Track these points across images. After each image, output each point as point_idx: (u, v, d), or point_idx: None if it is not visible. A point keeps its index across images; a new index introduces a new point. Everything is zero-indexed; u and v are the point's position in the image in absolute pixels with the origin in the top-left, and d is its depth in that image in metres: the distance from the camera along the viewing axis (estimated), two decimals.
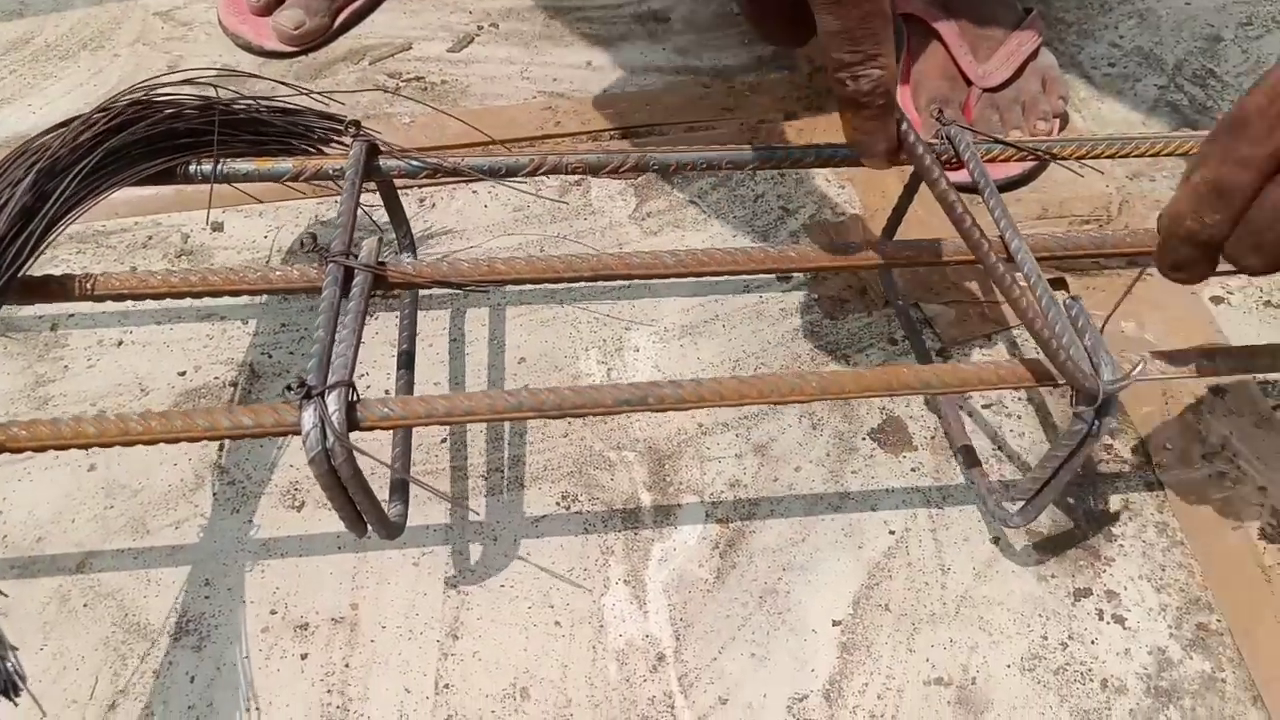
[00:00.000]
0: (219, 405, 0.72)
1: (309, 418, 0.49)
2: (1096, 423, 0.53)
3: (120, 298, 0.58)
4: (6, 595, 0.61)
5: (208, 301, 0.78)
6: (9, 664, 0.45)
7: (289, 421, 0.50)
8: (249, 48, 1.01)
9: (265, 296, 0.79)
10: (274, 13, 1.01)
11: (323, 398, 0.49)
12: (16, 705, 0.46)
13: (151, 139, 0.61)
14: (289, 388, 0.49)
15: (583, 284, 0.79)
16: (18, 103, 0.97)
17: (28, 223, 0.53)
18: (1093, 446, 0.54)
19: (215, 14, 1.05)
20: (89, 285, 0.57)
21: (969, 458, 0.69)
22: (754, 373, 0.75)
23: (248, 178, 0.66)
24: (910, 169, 0.76)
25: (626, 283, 0.80)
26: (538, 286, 0.79)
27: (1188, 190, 0.48)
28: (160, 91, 0.64)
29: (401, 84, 0.99)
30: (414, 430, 0.69)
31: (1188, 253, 0.49)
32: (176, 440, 0.49)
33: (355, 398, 0.51)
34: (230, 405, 0.53)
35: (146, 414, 0.49)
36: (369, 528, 0.55)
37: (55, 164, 0.55)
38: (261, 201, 0.86)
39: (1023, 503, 0.61)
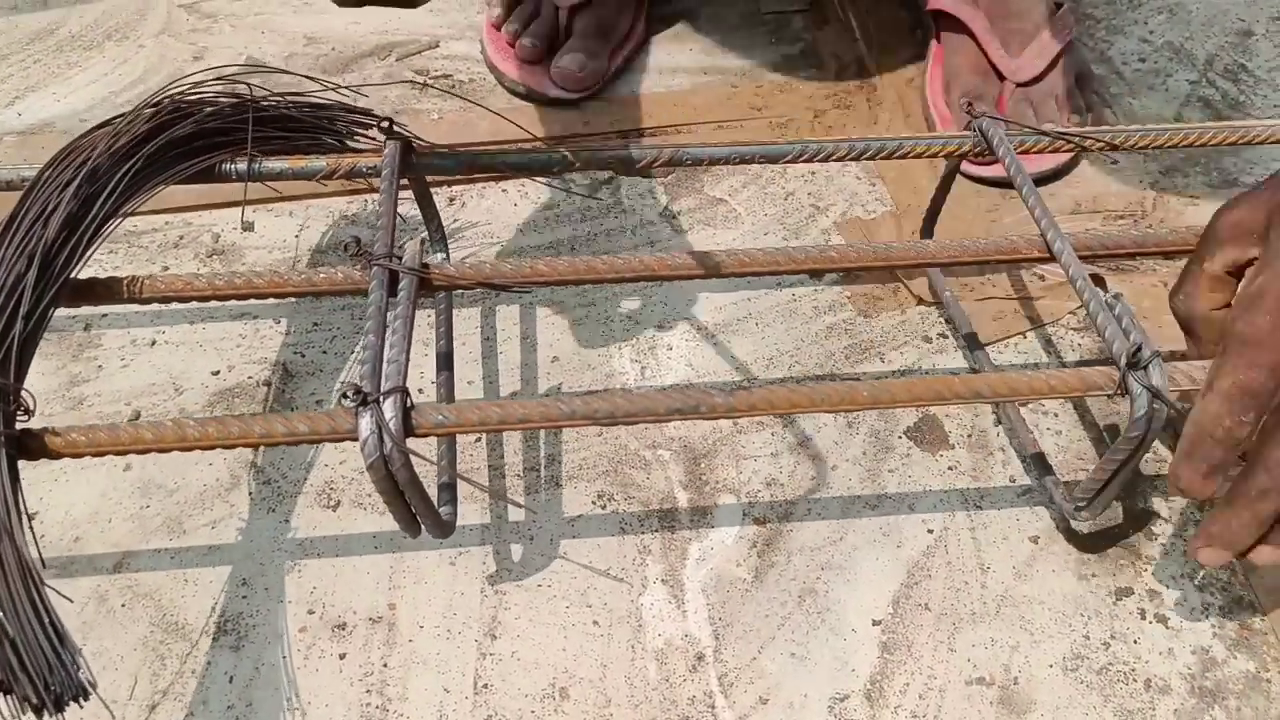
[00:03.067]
0: (273, 412, 0.72)
1: (366, 424, 0.49)
2: (1150, 429, 0.53)
3: (166, 300, 0.58)
4: (70, 600, 0.61)
5: (240, 300, 0.78)
6: (80, 671, 0.45)
7: (345, 428, 0.50)
8: (529, 96, 0.97)
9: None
10: (554, 60, 0.95)
11: (379, 404, 0.49)
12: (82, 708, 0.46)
13: (188, 138, 0.62)
14: (345, 395, 0.49)
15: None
16: (42, 91, 0.97)
17: (75, 228, 0.53)
18: (1150, 446, 0.54)
19: (482, 53, 1.01)
20: (135, 288, 0.57)
21: (1040, 465, 0.68)
22: (788, 371, 0.75)
23: (281, 176, 0.66)
24: (942, 164, 0.76)
25: (659, 281, 0.80)
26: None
27: (1218, 395, 0.52)
28: (193, 90, 0.64)
29: (429, 80, 0.99)
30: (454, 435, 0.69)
31: (1220, 455, 0.53)
32: (232, 446, 0.49)
33: (410, 404, 0.51)
34: (285, 412, 0.53)
35: (203, 420, 0.49)
36: (422, 529, 0.55)
37: (98, 168, 0.55)
38: (290, 199, 0.86)
39: (1085, 501, 0.61)
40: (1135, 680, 0.60)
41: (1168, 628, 0.62)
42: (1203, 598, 0.63)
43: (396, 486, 0.51)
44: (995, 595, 0.64)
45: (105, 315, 0.78)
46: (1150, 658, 0.61)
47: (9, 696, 0.45)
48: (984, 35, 0.89)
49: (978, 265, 0.80)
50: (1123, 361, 0.54)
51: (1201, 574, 0.64)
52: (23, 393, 0.49)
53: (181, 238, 0.84)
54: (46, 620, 0.46)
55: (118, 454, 0.50)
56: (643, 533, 0.67)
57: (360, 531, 0.66)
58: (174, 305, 0.78)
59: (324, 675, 0.60)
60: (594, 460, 0.70)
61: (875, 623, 0.63)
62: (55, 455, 0.50)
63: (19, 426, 0.49)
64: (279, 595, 0.64)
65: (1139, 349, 0.54)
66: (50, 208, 0.53)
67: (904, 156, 0.69)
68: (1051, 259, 0.63)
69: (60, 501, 0.67)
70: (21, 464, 0.49)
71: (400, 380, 0.51)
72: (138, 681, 0.60)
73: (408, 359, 0.53)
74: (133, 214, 0.61)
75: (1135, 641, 0.62)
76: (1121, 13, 1.07)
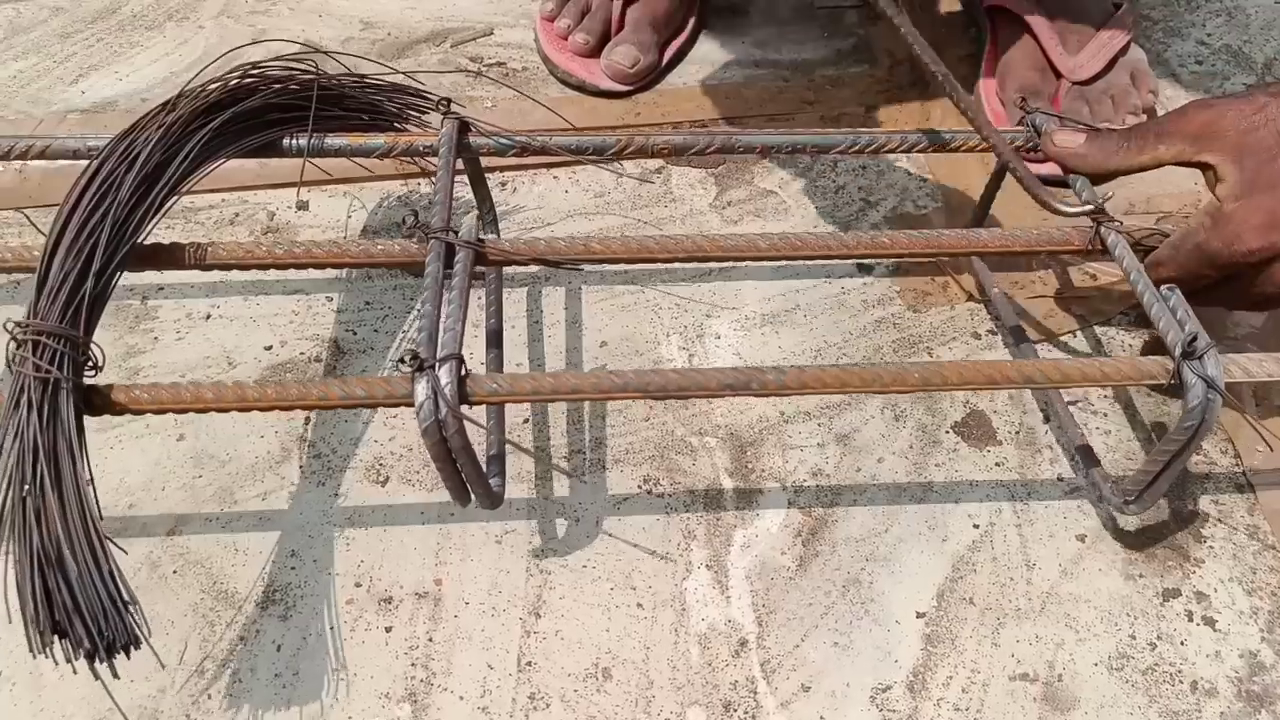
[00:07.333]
0: (330, 377, 0.73)
1: (422, 390, 0.49)
2: (1205, 419, 0.52)
3: (227, 267, 0.59)
4: (126, 552, 0.62)
5: (294, 277, 0.79)
6: (132, 618, 0.46)
7: (401, 393, 0.50)
8: (582, 87, 0.97)
9: (351, 274, 0.79)
10: (605, 52, 0.96)
11: (435, 370, 0.50)
12: (130, 659, 0.47)
13: (253, 113, 0.63)
14: (401, 360, 0.50)
15: (664, 269, 0.80)
16: (105, 70, 0.99)
17: (146, 193, 0.54)
18: (1204, 438, 0.53)
19: (536, 44, 1.01)
20: (199, 254, 0.58)
21: (1087, 458, 0.68)
22: (835, 362, 0.75)
23: (341, 152, 0.67)
24: (993, 160, 0.75)
25: (707, 269, 0.80)
26: (618, 269, 0.79)
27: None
28: (259, 68, 0.65)
29: (483, 68, 0.99)
30: (504, 408, 0.70)
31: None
32: (290, 408, 0.50)
33: (465, 371, 0.51)
34: (343, 376, 0.54)
35: (262, 383, 0.50)
36: (473, 498, 0.56)
37: (169, 137, 0.56)
38: (343, 181, 0.87)
39: (1135, 494, 0.61)
40: (1181, 682, 0.60)
41: (1215, 630, 0.62)
42: (1251, 601, 0.63)
43: (449, 453, 0.52)
44: (1040, 592, 0.63)
45: (161, 288, 0.79)
46: (1197, 660, 0.61)
47: (64, 640, 0.46)
48: (1043, 33, 0.89)
49: (1028, 259, 0.79)
50: (1178, 351, 0.54)
51: (1251, 578, 0.64)
52: (92, 347, 0.50)
53: (237, 214, 0.85)
54: (105, 567, 0.47)
55: (178, 412, 0.50)
56: (688, 518, 0.67)
57: (408, 506, 0.67)
58: (229, 280, 0.80)
59: (370, 647, 0.61)
60: (640, 445, 0.70)
61: (919, 615, 0.62)
62: (119, 411, 0.51)
63: (86, 382, 0.51)
64: (327, 567, 0.64)
65: (1194, 339, 0.53)
66: (123, 172, 0.54)
67: (958, 150, 0.69)
68: (1105, 251, 0.63)
69: (116, 468, 0.69)
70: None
71: (456, 348, 0.51)
72: (188, 646, 0.61)
73: (464, 329, 0.54)
74: (192, 190, 0.62)
75: (1182, 643, 0.61)
76: (1179, 15, 1.06)
